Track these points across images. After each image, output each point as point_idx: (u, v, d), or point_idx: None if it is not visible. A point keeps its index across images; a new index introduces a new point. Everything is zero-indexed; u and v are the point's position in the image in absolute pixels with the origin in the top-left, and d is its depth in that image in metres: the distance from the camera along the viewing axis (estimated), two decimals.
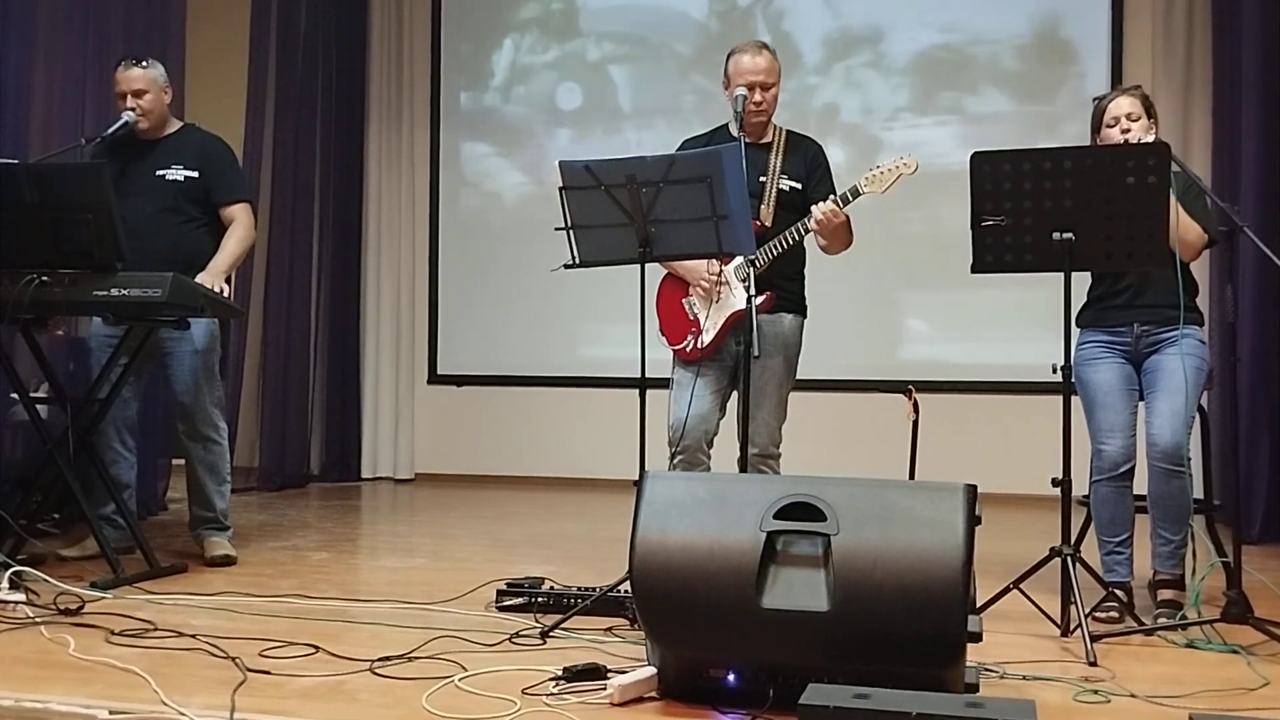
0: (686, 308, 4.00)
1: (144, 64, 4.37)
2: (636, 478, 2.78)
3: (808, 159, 4.00)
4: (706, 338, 3.93)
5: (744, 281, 3.72)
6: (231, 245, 4.35)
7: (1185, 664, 3.03)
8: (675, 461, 3.90)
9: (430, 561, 4.58)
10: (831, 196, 3.80)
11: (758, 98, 3.85)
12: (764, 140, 3.97)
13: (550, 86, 7.28)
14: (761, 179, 3.91)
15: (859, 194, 3.78)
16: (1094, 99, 3.80)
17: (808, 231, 3.82)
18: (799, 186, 3.94)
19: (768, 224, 3.87)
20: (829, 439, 6.09)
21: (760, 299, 3.67)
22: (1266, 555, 4.71)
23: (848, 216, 3.83)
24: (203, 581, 3.97)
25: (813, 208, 3.78)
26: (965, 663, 2.49)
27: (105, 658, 2.88)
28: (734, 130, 3.84)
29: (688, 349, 3.96)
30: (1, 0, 4.61)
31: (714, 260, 3.85)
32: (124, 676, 2.74)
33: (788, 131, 4.02)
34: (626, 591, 3.23)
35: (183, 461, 4.51)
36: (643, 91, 7.10)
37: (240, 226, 4.40)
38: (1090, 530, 3.77)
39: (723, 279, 3.89)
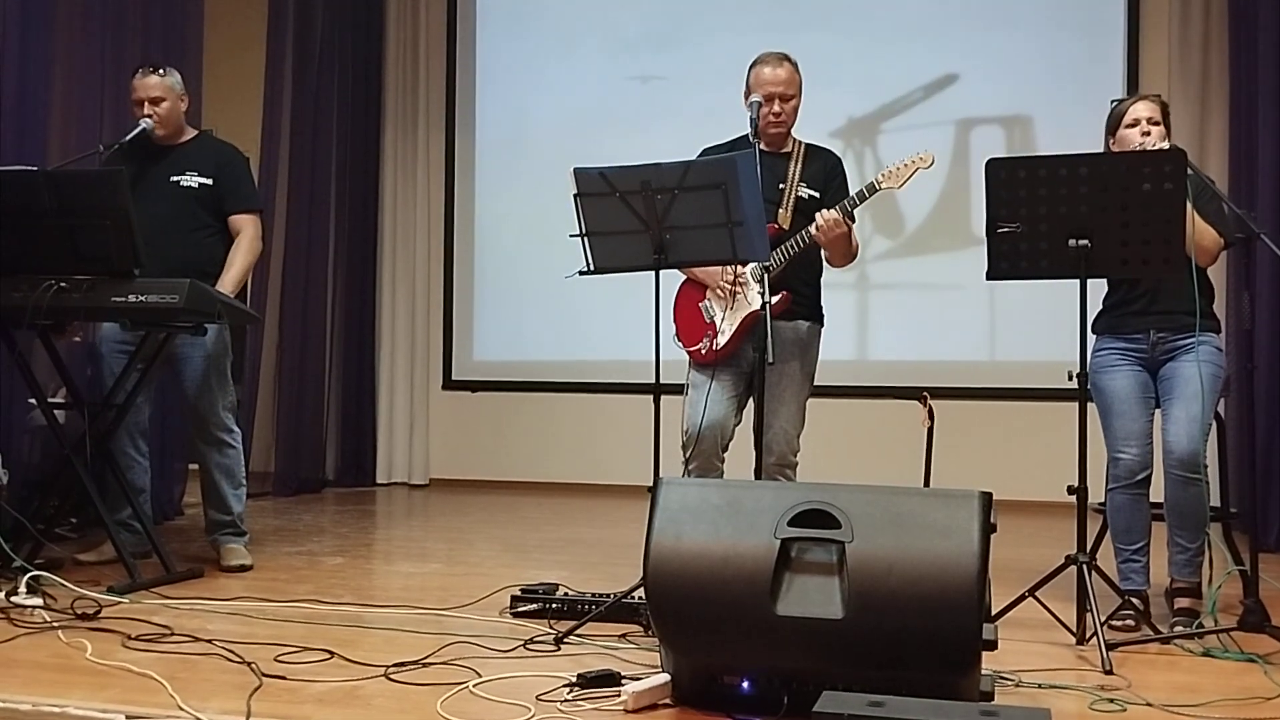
0: (703, 310, 4.00)
1: (161, 72, 4.40)
2: (651, 483, 2.78)
3: (826, 168, 4.01)
4: (722, 339, 3.92)
5: (759, 284, 3.72)
6: (239, 262, 4.38)
7: (1202, 673, 3.01)
8: (689, 467, 3.89)
9: (445, 567, 4.59)
10: (850, 197, 3.81)
11: (777, 108, 3.86)
12: (783, 150, 3.98)
13: (566, 92, 7.30)
14: (780, 185, 3.92)
15: (876, 190, 3.79)
16: (1112, 101, 3.79)
17: (809, 243, 3.82)
18: (817, 195, 3.94)
19: (785, 227, 3.87)
20: (844, 446, 6.08)
21: (775, 298, 3.68)
22: None
23: (850, 228, 3.83)
24: (219, 586, 3.98)
25: (818, 214, 3.78)
26: (980, 670, 2.48)
27: (122, 662, 2.90)
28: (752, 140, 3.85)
29: (703, 351, 3.96)
30: (21, 9, 4.64)
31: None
32: (140, 681, 2.75)
33: (806, 144, 4.03)
34: (641, 598, 3.23)
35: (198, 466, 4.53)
36: (656, 96, 7.11)
37: (246, 239, 4.43)
38: (1106, 538, 3.75)
39: (740, 280, 3.90)
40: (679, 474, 3.83)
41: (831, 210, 3.77)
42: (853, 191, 3.86)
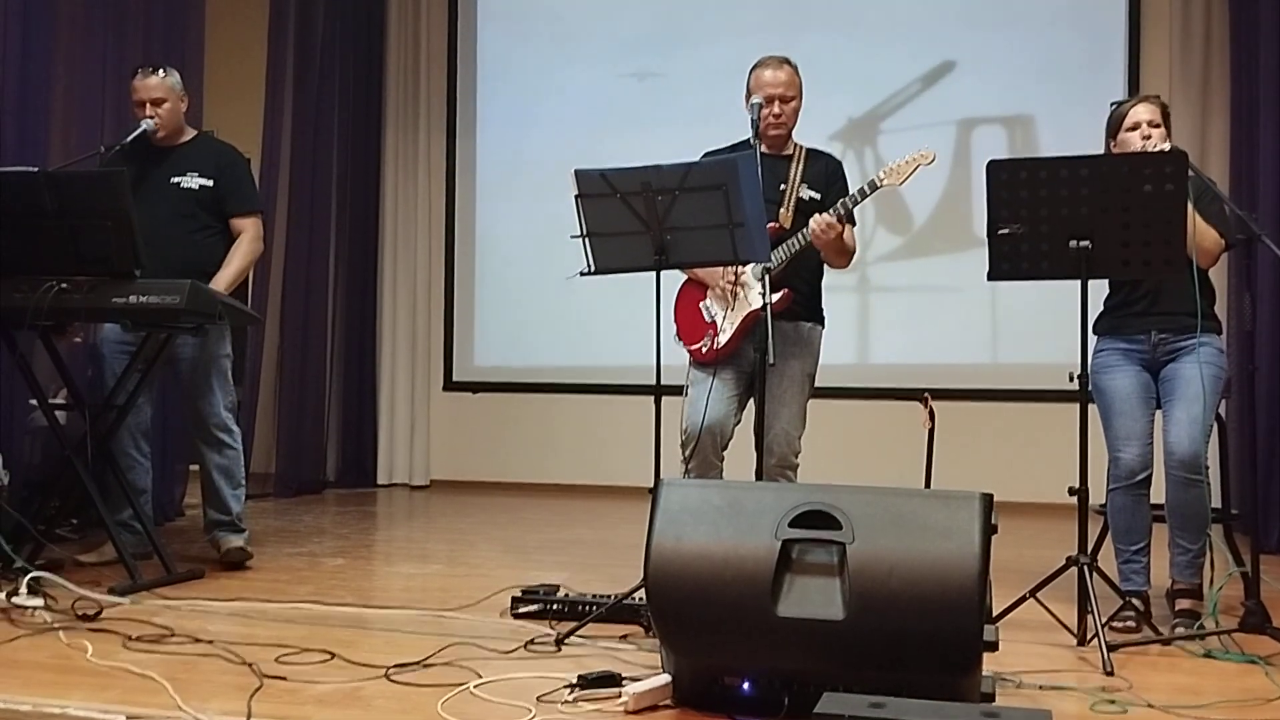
0: (704, 310, 4.01)
1: (161, 72, 4.40)
2: (652, 484, 2.78)
3: (828, 171, 4.02)
4: (723, 339, 3.93)
5: (760, 283, 3.73)
6: (236, 261, 4.39)
7: (1203, 674, 3.01)
8: (688, 466, 3.89)
9: (445, 568, 4.59)
10: (849, 194, 3.81)
11: (777, 110, 3.86)
12: (784, 153, 3.99)
13: (566, 93, 7.29)
14: (782, 186, 3.93)
15: (877, 187, 3.80)
16: (1112, 104, 3.79)
17: (809, 242, 3.82)
18: (818, 196, 3.95)
19: (786, 226, 3.88)
20: (845, 447, 6.08)
21: (776, 297, 3.68)
22: None
23: (844, 229, 3.83)
24: (219, 587, 3.98)
25: (812, 218, 3.79)
26: (981, 672, 2.48)
27: (123, 663, 2.90)
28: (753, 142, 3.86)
29: (704, 350, 3.96)
30: (22, 9, 4.64)
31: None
32: (141, 682, 2.75)
33: (807, 148, 4.04)
34: (641, 599, 3.23)
35: (198, 466, 4.53)
36: (657, 98, 7.12)
37: (247, 240, 4.44)
38: (1107, 539, 3.75)
39: (740, 280, 3.90)
40: (679, 475, 3.83)
41: (825, 215, 3.78)
42: (854, 190, 3.86)
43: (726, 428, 3.94)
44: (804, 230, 3.82)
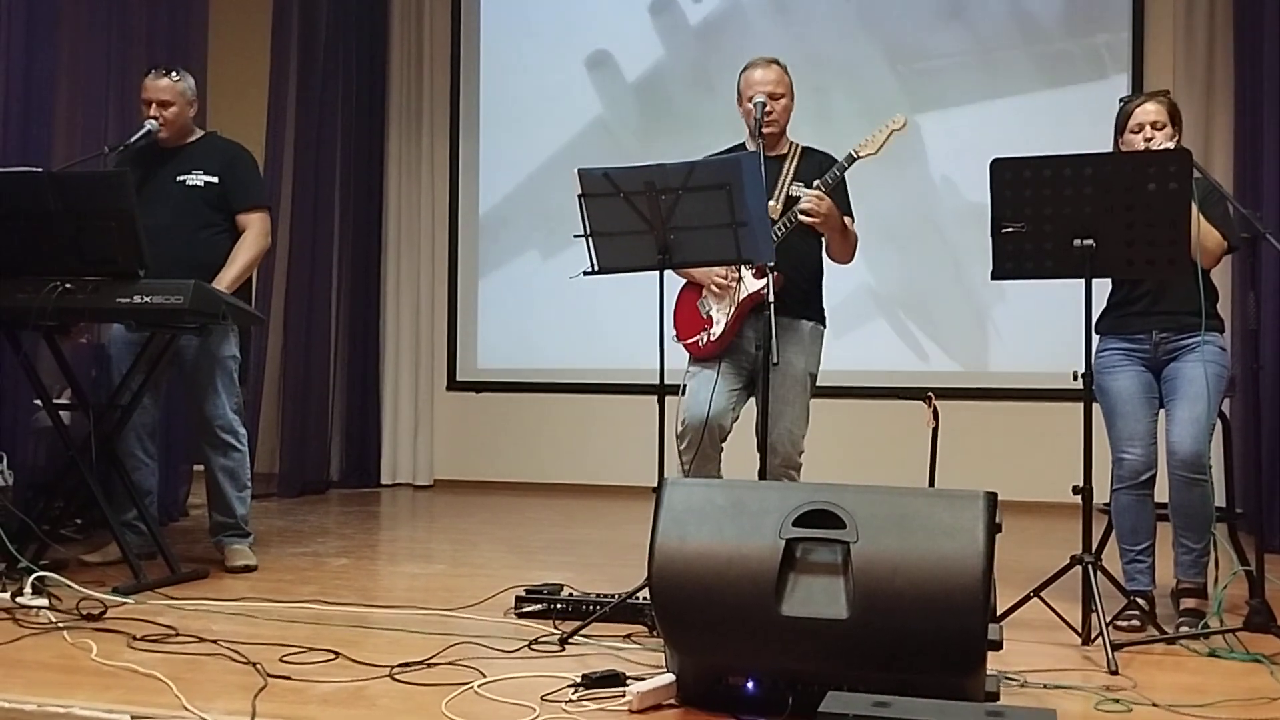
0: (699, 307, 4.02)
1: (174, 75, 4.40)
2: (655, 484, 2.78)
3: (821, 170, 4.00)
4: (718, 330, 3.94)
5: (754, 272, 3.74)
6: (241, 257, 4.36)
7: (1207, 673, 3.01)
8: (684, 459, 3.88)
9: (449, 568, 4.59)
10: (830, 170, 3.82)
11: (768, 108, 3.86)
12: (779, 152, 4.00)
13: (569, 93, 7.29)
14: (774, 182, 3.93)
15: (855, 159, 3.83)
16: (1120, 99, 3.78)
17: (797, 222, 3.81)
18: None
19: (774, 218, 3.87)
20: (848, 446, 6.08)
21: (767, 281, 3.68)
22: None
23: (844, 223, 3.81)
24: (223, 587, 3.98)
25: (802, 199, 3.77)
26: (985, 671, 2.48)
27: (127, 663, 2.90)
28: (750, 146, 3.86)
29: (700, 344, 3.97)
30: (26, 9, 4.64)
31: None
32: (145, 681, 2.75)
33: (803, 147, 4.05)
34: (645, 598, 3.23)
35: (203, 468, 4.53)
36: (661, 99, 7.12)
37: (251, 236, 4.42)
38: (1111, 538, 3.75)
39: (735, 277, 3.91)
40: (682, 474, 3.83)
41: (813, 190, 3.78)
42: (847, 201, 3.85)
43: (725, 421, 3.93)
44: (792, 212, 3.81)
